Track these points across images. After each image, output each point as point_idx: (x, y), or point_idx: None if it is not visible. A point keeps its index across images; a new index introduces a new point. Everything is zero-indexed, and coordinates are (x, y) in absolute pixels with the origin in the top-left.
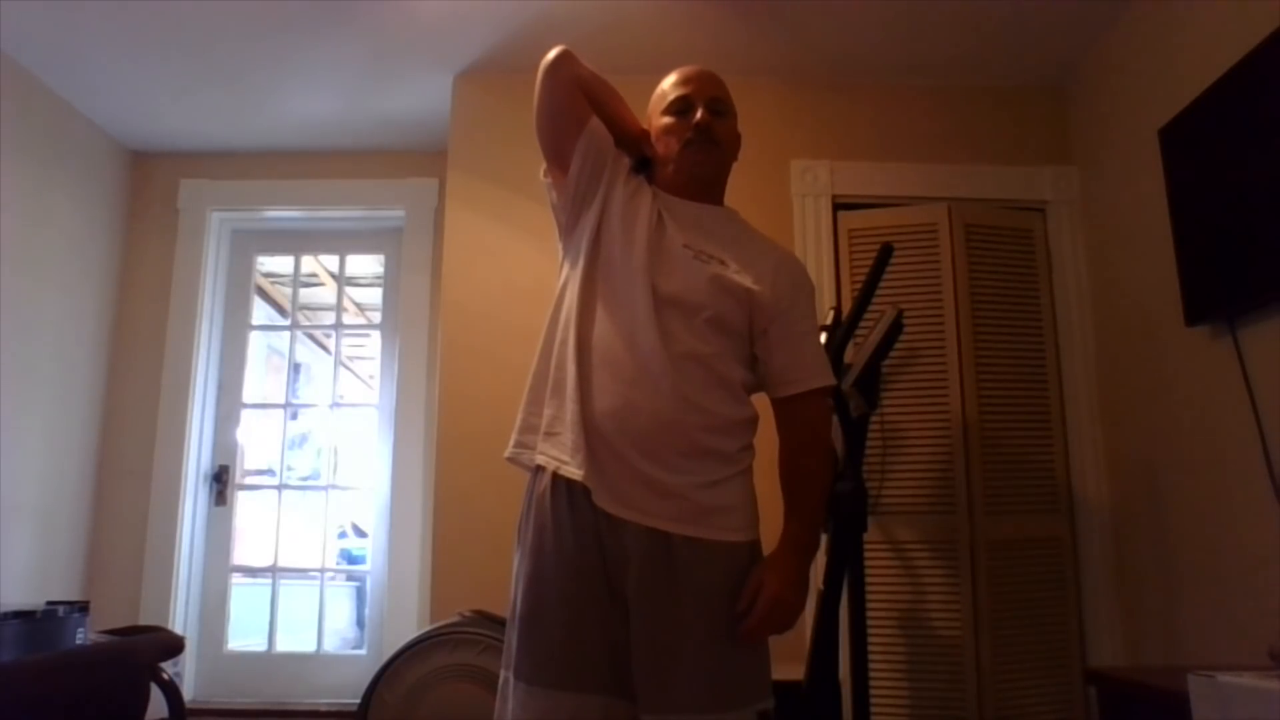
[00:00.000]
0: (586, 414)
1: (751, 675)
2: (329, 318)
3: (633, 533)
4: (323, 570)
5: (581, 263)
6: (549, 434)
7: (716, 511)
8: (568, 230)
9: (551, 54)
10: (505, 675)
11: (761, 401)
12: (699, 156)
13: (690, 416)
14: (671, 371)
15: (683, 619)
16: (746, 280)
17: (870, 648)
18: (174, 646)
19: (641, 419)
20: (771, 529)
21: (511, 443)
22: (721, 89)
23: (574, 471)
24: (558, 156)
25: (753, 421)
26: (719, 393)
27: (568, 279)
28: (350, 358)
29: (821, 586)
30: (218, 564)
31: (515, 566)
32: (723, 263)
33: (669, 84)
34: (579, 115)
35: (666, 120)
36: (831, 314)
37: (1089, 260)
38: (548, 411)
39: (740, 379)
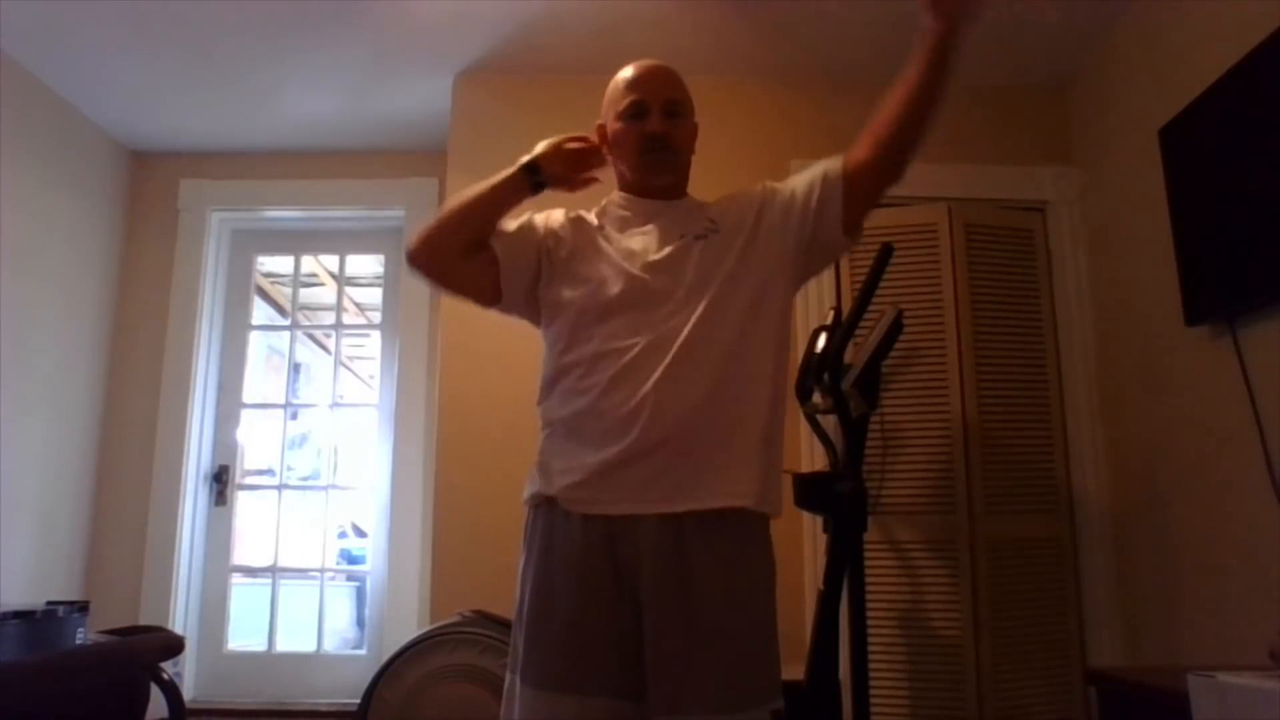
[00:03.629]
0: (610, 466)
1: (764, 675)
2: (329, 318)
3: (645, 526)
4: (323, 570)
5: (569, 329)
6: (563, 474)
7: (727, 478)
8: (546, 323)
9: (410, 248)
10: (511, 679)
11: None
12: (658, 167)
13: (714, 422)
14: (694, 381)
15: (698, 611)
16: (735, 242)
17: (870, 648)
18: (174, 646)
19: (664, 451)
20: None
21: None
22: (676, 88)
23: (589, 509)
24: (499, 297)
25: (779, 401)
26: (741, 388)
27: (565, 348)
28: (350, 358)
29: (821, 586)
30: (218, 564)
31: (520, 568)
32: (703, 236)
33: (623, 84)
34: (482, 264)
35: (622, 125)
36: (831, 314)
37: (1089, 260)
38: (560, 463)
39: (770, 365)
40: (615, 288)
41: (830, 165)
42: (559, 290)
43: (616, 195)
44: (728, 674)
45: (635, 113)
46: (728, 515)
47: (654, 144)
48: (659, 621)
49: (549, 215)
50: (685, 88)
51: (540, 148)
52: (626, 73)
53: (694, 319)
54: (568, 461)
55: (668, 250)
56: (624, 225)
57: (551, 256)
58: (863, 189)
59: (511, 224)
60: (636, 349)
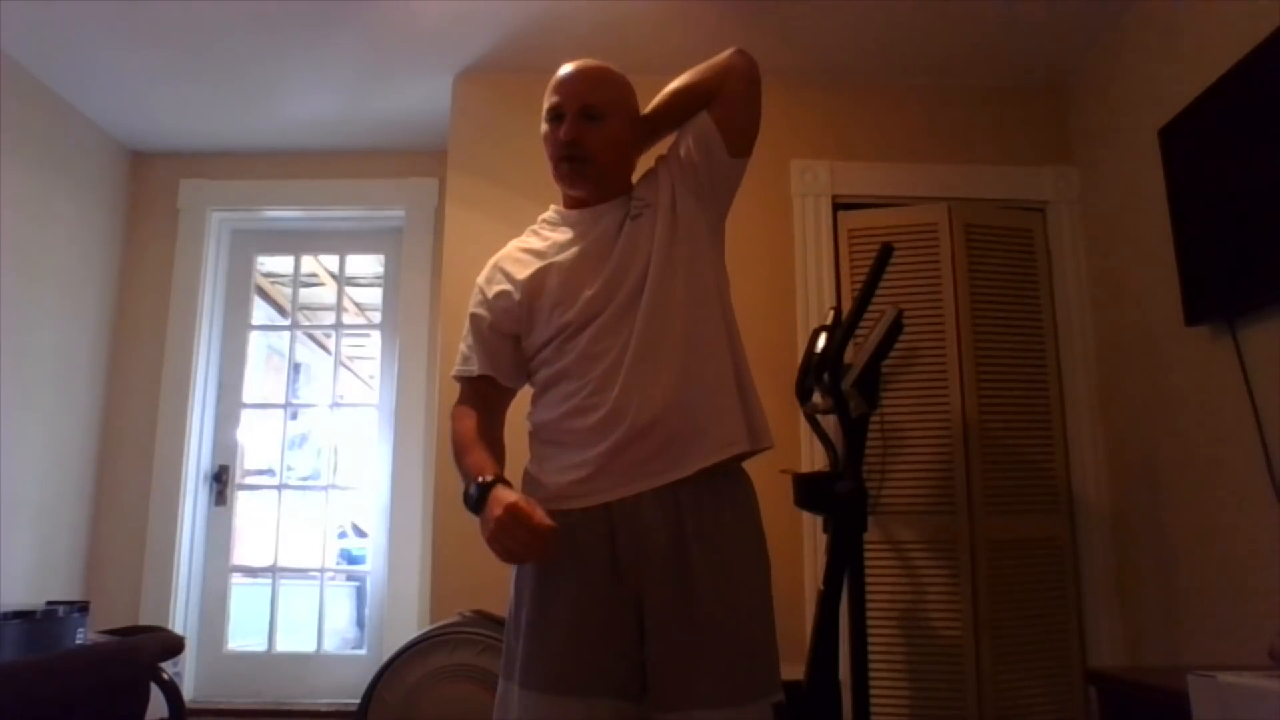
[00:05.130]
0: (609, 454)
1: (766, 668)
2: (329, 318)
3: (646, 510)
4: (323, 570)
5: (554, 351)
6: (560, 473)
7: (716, 433)
8: (534, 349)
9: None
10: (506, 685)
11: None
12: (571, 178)
13: (692, 386)
14: (664, 357)
15: (699, 607)
16: (660, 211)
17: (870, 648)
18: (174, 646)
19: (657, 429)
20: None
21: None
22: (598, 91)
23: (589, 501)
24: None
25: (735, 338)
26: (704, 345)
27: (552, 360)
28: (350, 358)
29: (821, 586)
30: (218, 564)
31: (515, 573)
32: (637, 215)
33: (549, 86)
34: (509, 392)
35: (544, 128)
36: (831, 314)
37: (1089, 260)
38: (554, 464)
39: (719, 309)
40: (579, 305)
41: (702, 114)
42: (534, 328)
43: (550, 212)
44: (730, 668)
45: (552, 117)
46: (719, 480)
47: (565, 151)
48: (661, 617)
49: (487, 290)
50: (614, 88)
51: (497, 507)
52: (556, 74)
53: (648, 298)
54: (563, 461)
55: (612, 249)
56: (563, 246)
57: (515, 314)
58: (728, 109)
59: (479, 354)
60: (617, 346)
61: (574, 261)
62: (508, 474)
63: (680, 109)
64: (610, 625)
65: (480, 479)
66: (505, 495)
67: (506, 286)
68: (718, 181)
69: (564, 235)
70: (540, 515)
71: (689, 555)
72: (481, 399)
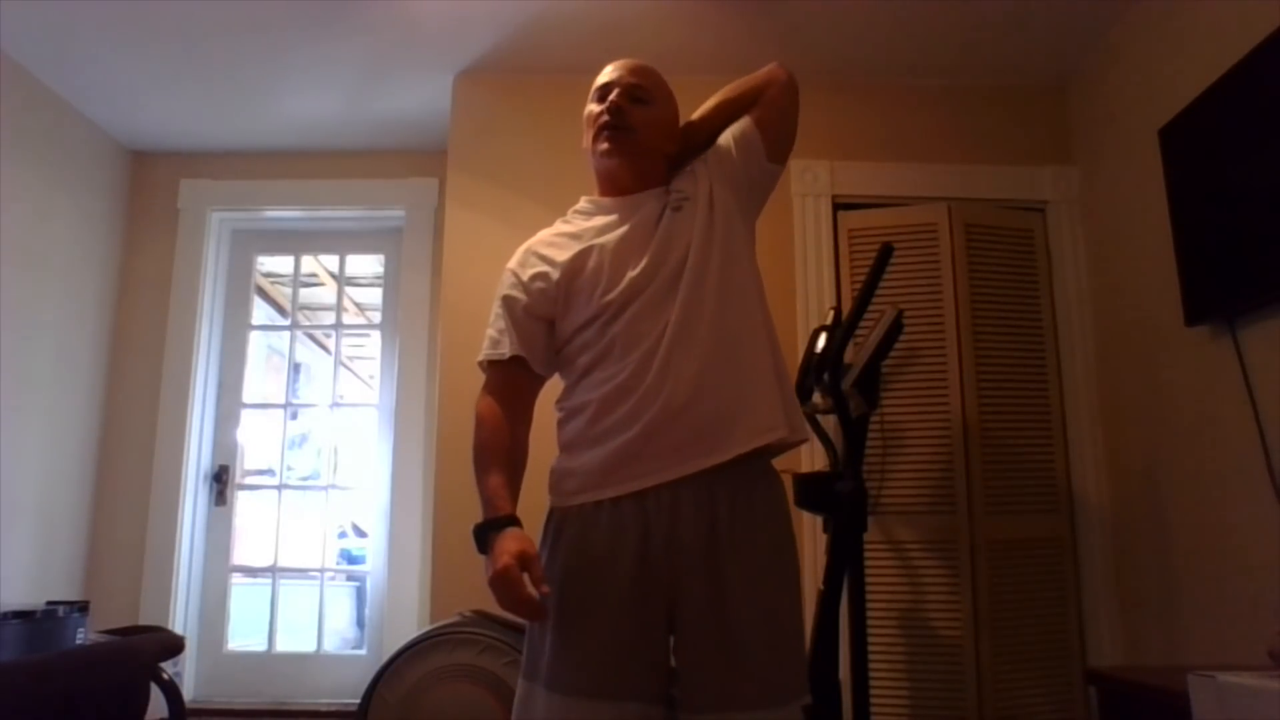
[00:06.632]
0: (642, 439)
1: (798, 669)
2: (329, 318)
3: (683, 503)
4: (323, 570)
5: (595, 333)
6: (594, 458)
7: (752, 419)
8: (575, 330)
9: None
10: (530, 687)
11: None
12: (607, 145)
13: (727, 373)
14: (701, 342)
15: (733, 609)
16: (700, 205)
17: (870, 648)
18: (174, 646)
19: (689, 414)
20: None
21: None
22: (647, 78)
23: (621, 490)
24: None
25: (773, 334)
26: (741, 335)
27: (591, 343)
28: (350, 358)
29: (821, 586)
30: (218, 564)
31: (542, 567)
32: (678, 208)
33: (599, 75)
34: (536, 378)
35: (589, 109)
36: (831, 314)
37: (1089, 260)
38: (588, 453)
39: (758, 306)
40: (623, 285)
41: (744, 118)
42: (571, 309)
43: (583, 202)
44: (764, 669)
45: (599, 97)
46: (753, 477)
47: (610, 120)
48: (692, 615)
49: (521, 273)
50: (661, 82)
51: (495, 561)
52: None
53: (687, 282)
54: (597, 447)
55: (653, 234)
56: (603, 230)
57: (552, 296)
58: (769, 112)
59: (511, 336)
60: (656, 330)
61: (618, 243)
62: (534, 456)
63: (722, 119)
64: (641, 626)
65: (489, 516)
66: (505, 550)
67: (544, 268)
68: (755, 183)
69: (602, 220)
70: (528, 585)
71: (721, 551)
72: (510, 388)
